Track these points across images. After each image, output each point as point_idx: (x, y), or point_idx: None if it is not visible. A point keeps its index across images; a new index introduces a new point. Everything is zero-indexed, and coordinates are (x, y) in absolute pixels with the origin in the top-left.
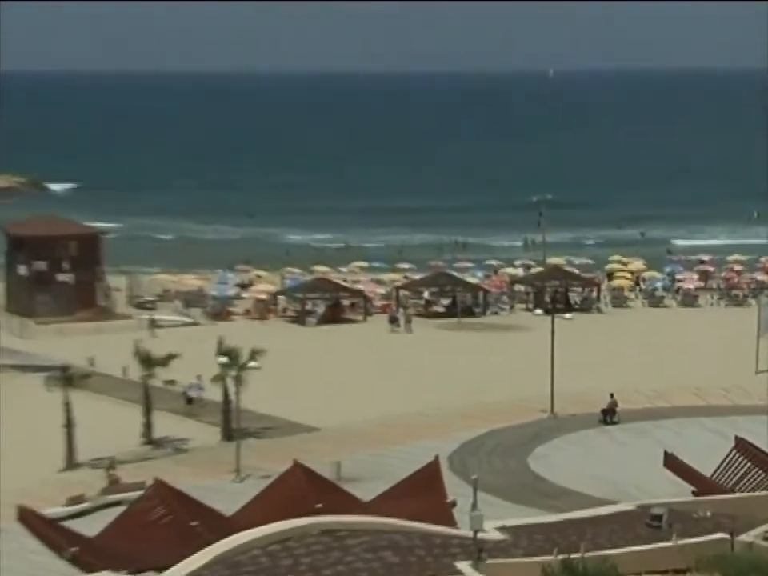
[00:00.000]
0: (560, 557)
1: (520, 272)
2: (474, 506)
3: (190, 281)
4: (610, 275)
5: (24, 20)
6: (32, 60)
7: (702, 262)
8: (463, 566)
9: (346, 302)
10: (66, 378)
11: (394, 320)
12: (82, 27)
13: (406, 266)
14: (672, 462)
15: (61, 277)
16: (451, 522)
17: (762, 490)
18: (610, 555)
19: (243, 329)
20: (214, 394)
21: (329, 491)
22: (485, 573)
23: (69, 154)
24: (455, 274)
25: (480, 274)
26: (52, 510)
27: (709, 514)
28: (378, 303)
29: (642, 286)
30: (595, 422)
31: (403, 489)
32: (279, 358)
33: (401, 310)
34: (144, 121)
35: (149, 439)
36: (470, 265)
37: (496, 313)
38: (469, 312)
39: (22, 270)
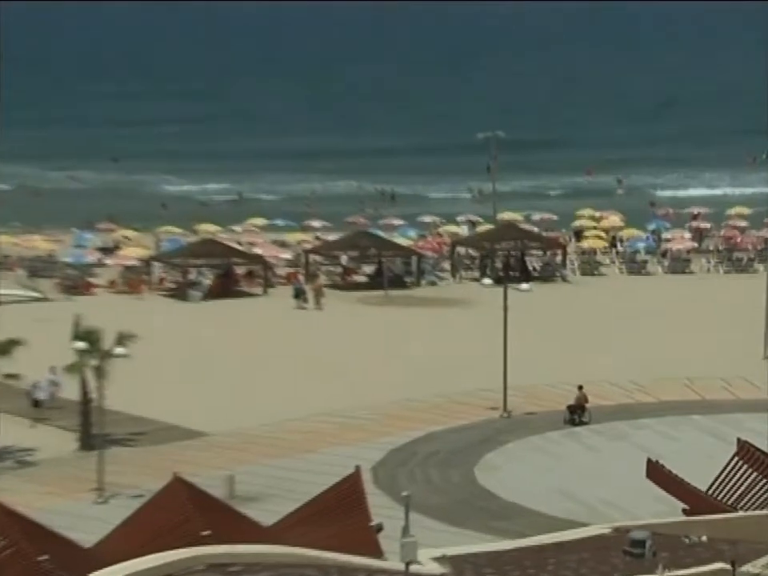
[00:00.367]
0: None
1: (464, 231)
2: (406, 531)
3: (37, 243)
4: (579, 234)
5: None
6: None
7: (695, 217)
8: None
9: (240, 271)
10: None
11: (300, 293)
12: None
13: (317, 223)
14: (657, 473)
15: None
16: (376, 552)
17: None
18: None
19: (107, 305)
20: (71, 390)
21: (219, 513)
22: None
23: None
24: (381, 233)
25: (413, 233)
26: None
27: (704, 538)
28: (282, 272)
29: (620, 247)
30: (559, 422)
31: (315, 510)
32: (154, 344)
33: (312, 279)
34: None
35: None
36: (399, 222)
37: (433, 283)
38: (398, 282)
39: None
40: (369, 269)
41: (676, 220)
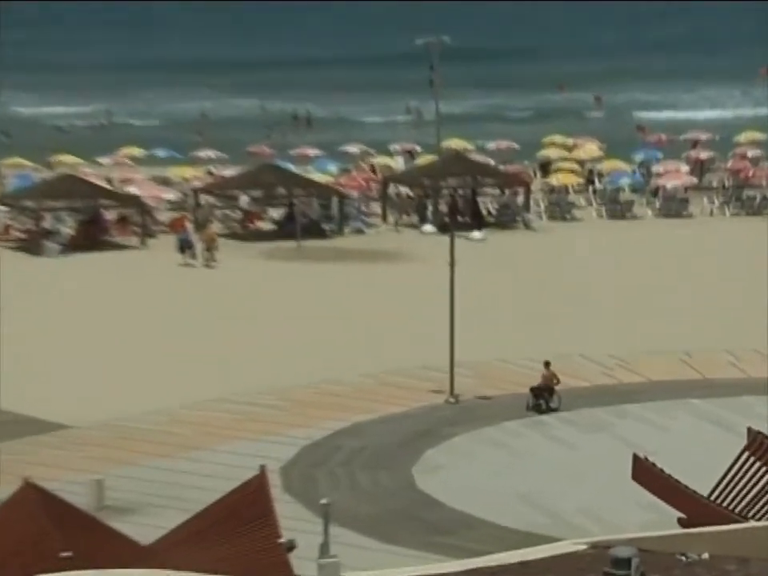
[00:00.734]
0: None
1: (399, 164)
2: (325, 549)
3: None
4: (546, 167)
5: None
6: None
7: (695, 145)
8: None
9: (110, 216)
10: None
11: (187, 246)
12: None
13: (209, 154)
14: (645, 473)
15: None
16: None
17: None
18: None
19: None
20: None
21: (83, 528)
22: None
23: None
24: (292, 167)
25: (333, 167)
26: None
27: (705, 555)
28: (164, 217)
29: (598, 184)
30: (521, 409)
31: (207, 523)
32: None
33: (202, 227)
34: None
35: None
36: (316, 153)
37: (360, 231)
38: (315, 231)
39: None
40: (276, 213)
41: (670, 149)
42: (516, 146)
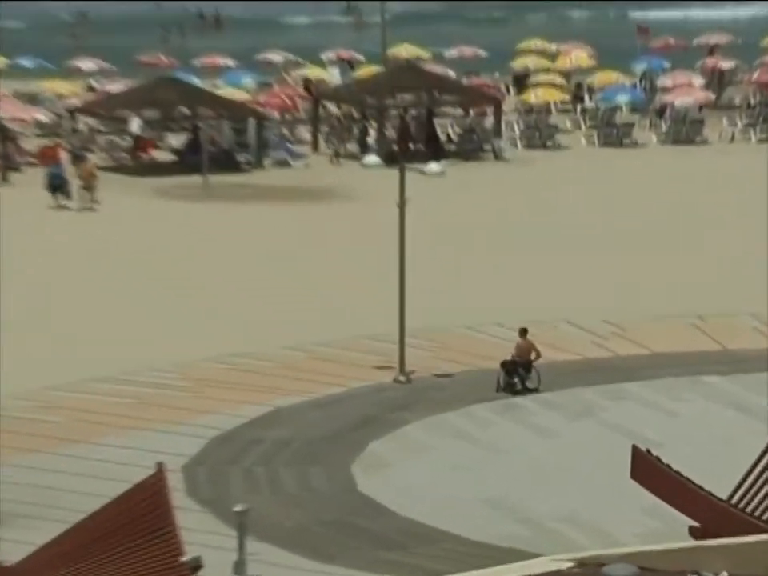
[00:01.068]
0: None
1: (335, 77)
2: (241, 569)
3: None
4: (521, 81)
5: None
6: None
7: (712, 52)
8: None
9: None
10: None
11: (60, 182)
12: None
13: (89, 64)
14: (647, 470)
15: None
16: None
17: None
18: None
19: None
20: None
21: None
22: None
23: None
24: (196, 81)
25: (250, 81)
26: None
27: (724, 575)
28: (32, 145)
29: (589, 102)
30: (490, 389)
31: (91, 537)
32: None
33: (80, 160)
34: None
35: None
36: (228, 63)
37: (284, 163)
38: (226, 162)
39: None
40: (177, 140)
41: (681, 57)
42: (483, 53)
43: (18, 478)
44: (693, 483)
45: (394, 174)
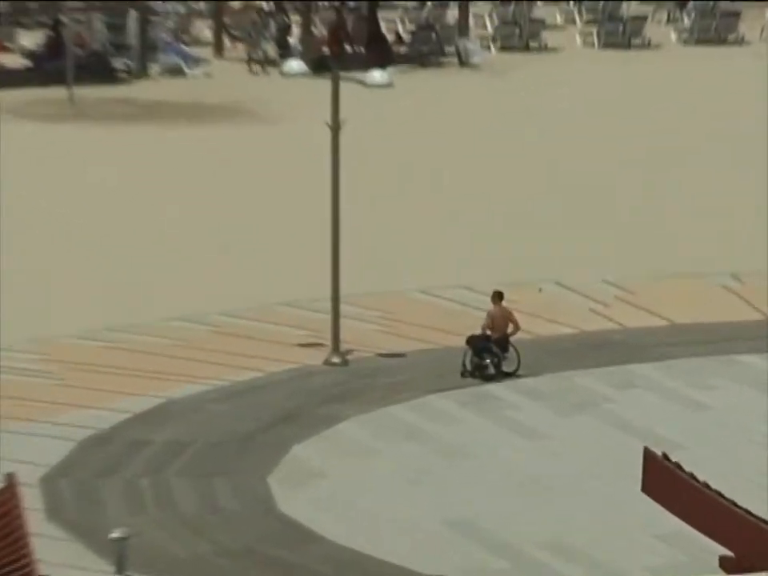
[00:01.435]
0: None
1: None
2: None
3: None
4: None
5: None
6: None
7: None
8: None
9: None
10: None
11: None
12: None
13: None
14: (663, 480)
15: None
16: None
17: None
18: None
19: None
20: None
21: None
22: None
23: None
24: None
25: None
26: None
27: None
28: None
29: None
30: (454, 373)
31: None
32: None
33: None
34: None
35: None
36: None
37: (178, 71)
38: (100, 69)
39: None
40: (32, 40)
41: None
42: None
43: None
44: (724, 498)
45: (324, 85)
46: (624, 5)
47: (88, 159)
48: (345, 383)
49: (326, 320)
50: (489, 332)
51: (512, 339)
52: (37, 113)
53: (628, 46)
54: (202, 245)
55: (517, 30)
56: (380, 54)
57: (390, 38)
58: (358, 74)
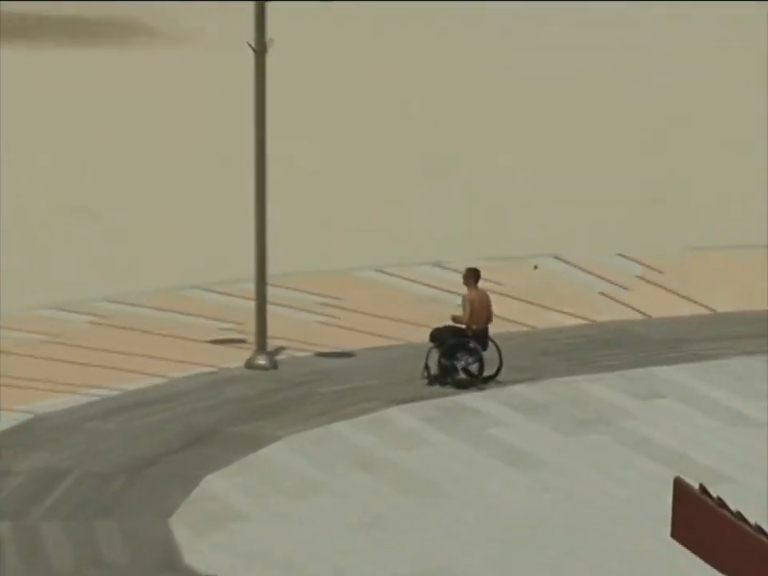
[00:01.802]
0: None
1: None
2: None
3: None
4: None
5: None
6: None
7: None
8: None
9: None
10: None
11: None
12: None
13: None
14: (699, 520)
15: None
16: None
17: None
18: None
19: None
20: None
21: None
22: None
23: None
24: None
25: None
26: None
27: None
28: None
29: None
30: (419, 379)
31: None
32: None
33: None
34: None
35: None
36: None
37: None
38: None
39: None
40: None
41: None
42: None
43: None
44: None
45: None
46: None
47: None
48: (274, 393)
49: (249, 308)
50: (461, 324)
51: (491, 335)
52: None
53: None
54: (76, 203)
55: None
56: None
57: None
58: None
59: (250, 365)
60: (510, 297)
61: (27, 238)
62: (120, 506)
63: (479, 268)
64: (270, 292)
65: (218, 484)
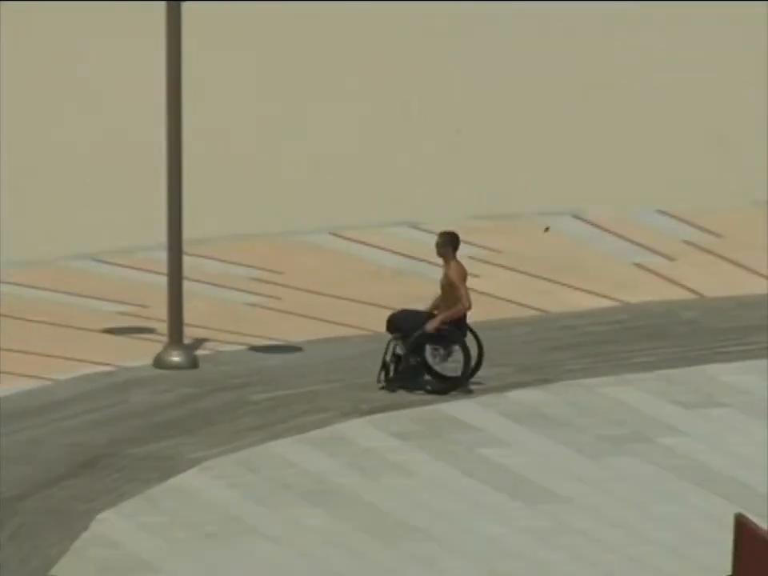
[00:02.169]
0: None
1: None
2: None
3: None
4: None
5: None
6: None
7: None
8: None
9: None
10: None
11: None
12: None
13: None
14: (762, 568)
15: None
16: None
17: None
18: None
19: None
20: None
21: None
22: None
23: None
24: None
25: None
26: None
27: None
28: None
29: None
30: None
31: None
32: None
33: None
34: None
35: None
36: None
37: None
38: None
39: None
40: None
41: None
42: None
43: None
44: None
45: None
46: None
47: None
48: (192, 400)
49: (157, 285)
50: (433, 309)
51: (468, 322)
52: None
53: None
54: None
55: None
56: None
57: None
58: None
59: (159, 362)
60: (512, 270)
61: None
62: None
63: (468, 229)
64: (188, 263)
65: (115, 524)
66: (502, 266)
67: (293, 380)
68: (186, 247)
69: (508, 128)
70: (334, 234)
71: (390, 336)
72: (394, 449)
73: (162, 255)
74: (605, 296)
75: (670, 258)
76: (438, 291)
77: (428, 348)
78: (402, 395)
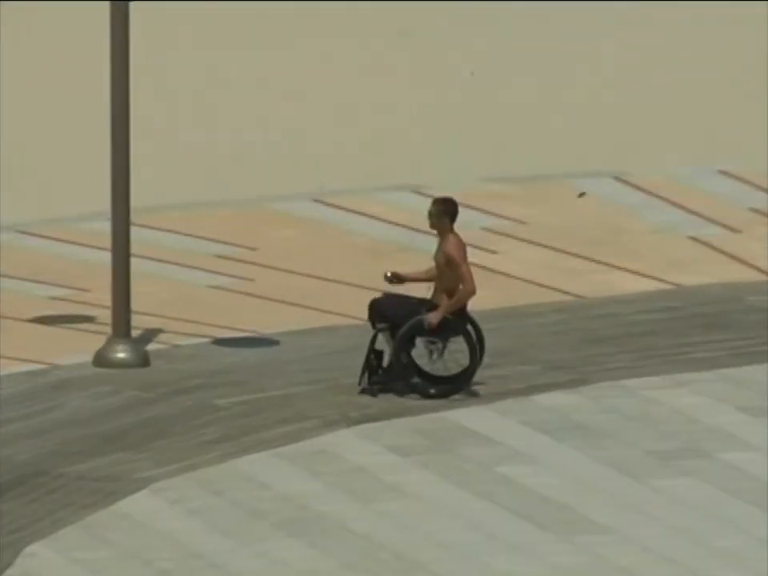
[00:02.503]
0: None
1: None
2: None
3: None
4: None
5: None
6: None
7: None
8: None
9: None
10: None
11: None
12: None
13: None
14: None
15: None
16: None
17: None
18: None
19: None
20: None
21: None
22: None
23: None
24: None
25: None
26: None
27: None
28: None
29: None
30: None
31: None
32: None
33: None
34: None
35: None
36: None
37: None
38: None
39: None
40: None
41: None
42: None
43: None
44: None
45: None
46: None
47: None
48: (141, 406)
49: (99, 264)
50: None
51: (470, 309)
52: None
53: None
54: None
55: None
56: None
57: None
58: None
59: (102, 359)
60: (538, 245)
61: None
62: None
63: (484, 195)
64: (135, 236)
65: (46, 559)
66: (526, 241)
67: (266, 381)
68: (134, 217)
69: (527, 76)
70: (318, 201)
71: (377, 327)
72: (391, 466)
73: (105, 226)
74: (653, 277)
75: (734, 230)
76: (424, 266)
77: (421, 342)
78: (399, 400)
